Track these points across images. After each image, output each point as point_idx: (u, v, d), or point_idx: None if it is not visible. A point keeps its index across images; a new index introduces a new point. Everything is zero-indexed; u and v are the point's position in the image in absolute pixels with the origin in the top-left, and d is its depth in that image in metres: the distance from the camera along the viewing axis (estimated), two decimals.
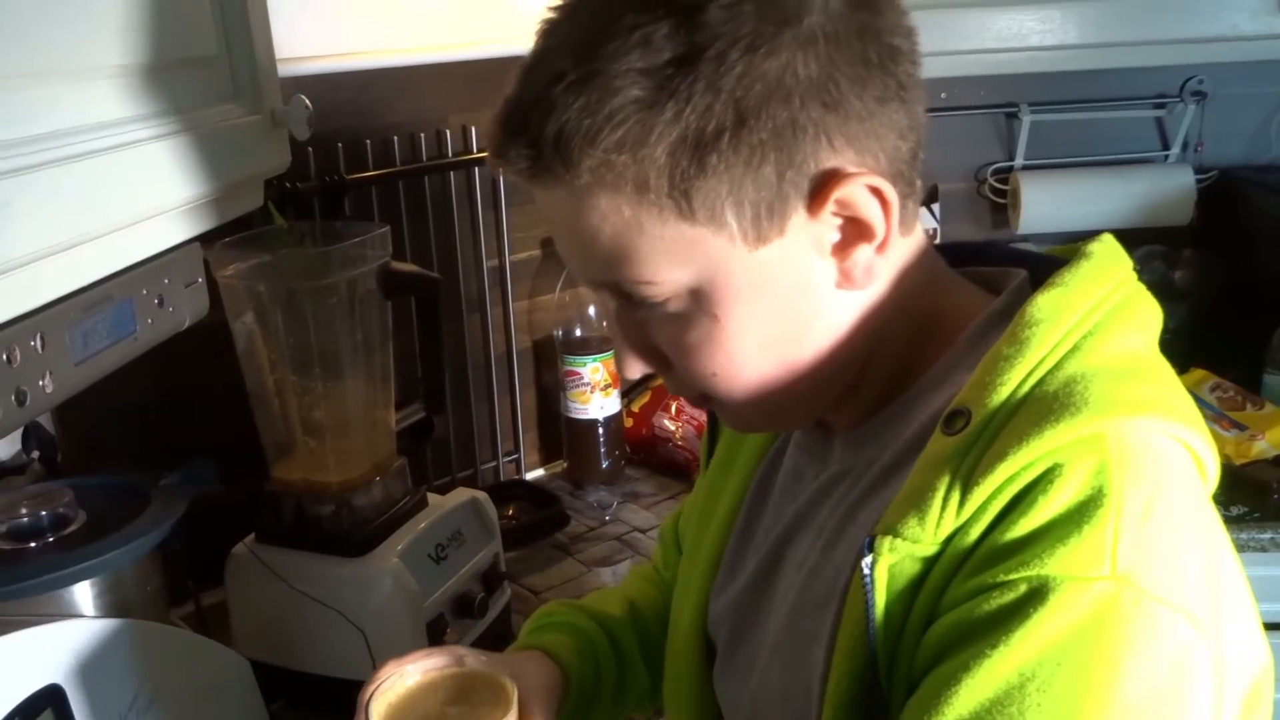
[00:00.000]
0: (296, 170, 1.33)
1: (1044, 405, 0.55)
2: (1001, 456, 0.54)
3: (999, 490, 0.54)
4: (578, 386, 1.66)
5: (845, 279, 0.61)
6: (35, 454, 1.19)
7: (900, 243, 0.62)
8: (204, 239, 0.97)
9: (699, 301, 0.60)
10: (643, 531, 1.55)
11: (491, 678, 0.73)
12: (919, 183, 0.63)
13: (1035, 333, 0.57)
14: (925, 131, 0.62)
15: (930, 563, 0.55)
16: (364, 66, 1.43)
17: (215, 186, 0.89)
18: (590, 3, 0.58)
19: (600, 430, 1.68)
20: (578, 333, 1.68)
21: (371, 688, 0.72)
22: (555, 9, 0.60)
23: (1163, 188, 1.88)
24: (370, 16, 1.46)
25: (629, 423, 1.75)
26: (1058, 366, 0.57)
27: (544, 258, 1.71)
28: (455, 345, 1.60)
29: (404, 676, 0.73)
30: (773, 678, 0.68)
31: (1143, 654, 0.50)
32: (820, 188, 0.58)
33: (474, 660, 0.74)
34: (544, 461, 1.77)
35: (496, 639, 1.26)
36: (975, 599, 0.53)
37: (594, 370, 1.65)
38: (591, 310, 1.69)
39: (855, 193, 0.58)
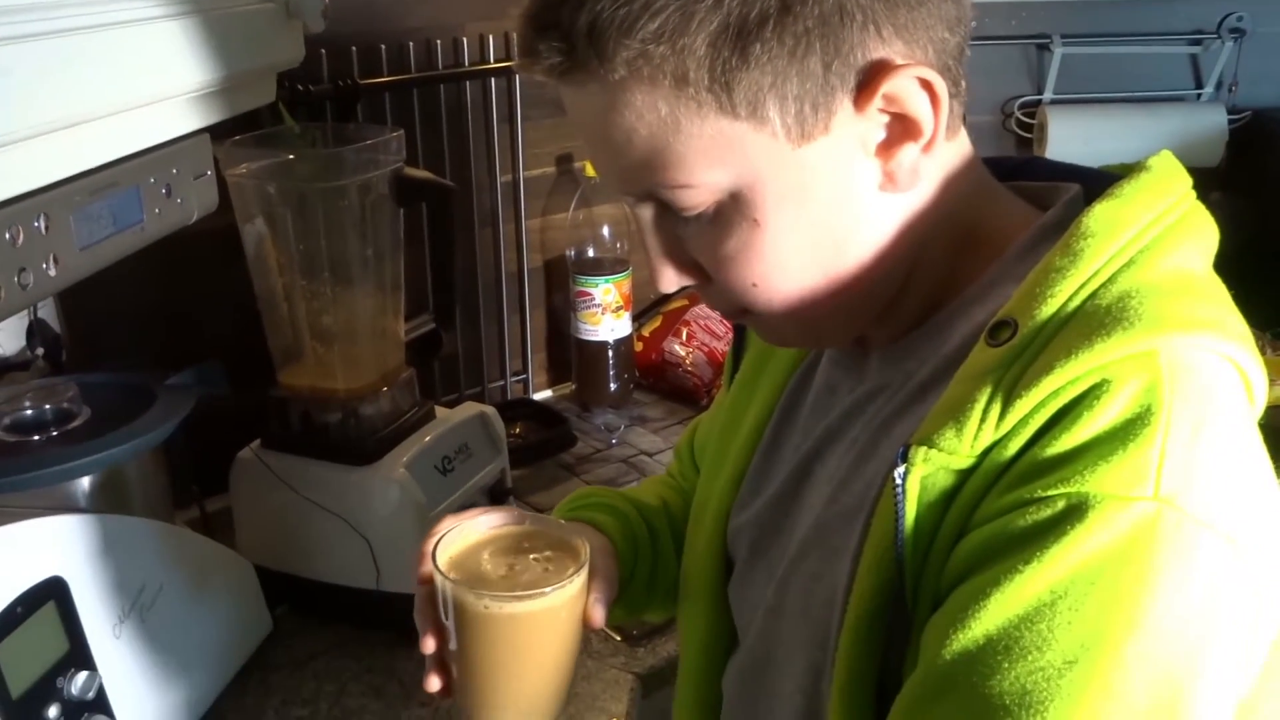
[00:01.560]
0: (309, 72, 1.30)
1: (1095, 319, 0.53)
2: (1048, 369, 0.52)
3: (1042, 404, 0.52)
4: (589, 307, 1.64)
5: (889, 180, 0.58)
6: (40, 350, 1.18)
7: (946, 147, 0.60)
8: (213, 137, 0.94)
9: (739, 206, 0.58)
10: (649, 455, 1.54)
11: (559, 537, 0.72)
12: (964, 83, 0.60)
13: (1089, 244, 0.55)
14: (970, 26, 0.59)
15: (965, 476, 0.54)
16: None
17: (226, 75, 0.86)
18: None
19: (610, 353, 1.66)
20: (590, 253, 1.66)
21: (434, 539, 0.70)
22: None
23: (1193, 128, 1.84)
24: None
25: (639, 346, 1.73)
26: (1111, 280, 0.55)
27: (558, 175, 1.67)
28: (466, 261, 1.58)
29: (467, 531, 0.72)
30: (794, 590, 0.67)
31: (1181, 577, 0.48)
32: (868, 80, 0.55)
33: (535, 521, 0.73)
34: (552, 383, 1.76)
35: None
36: (1010, 514, 0.51)
37: (606, 291, 1.63)
38: (605, 230, 1.66)
39: (904, 86, 0.55)
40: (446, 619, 0.68)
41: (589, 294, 1.64)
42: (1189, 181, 0.60)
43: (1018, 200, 0.65)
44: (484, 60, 1.53)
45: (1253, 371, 0.56)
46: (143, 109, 0.77)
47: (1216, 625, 0.49)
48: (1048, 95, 1.89)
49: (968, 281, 0.62)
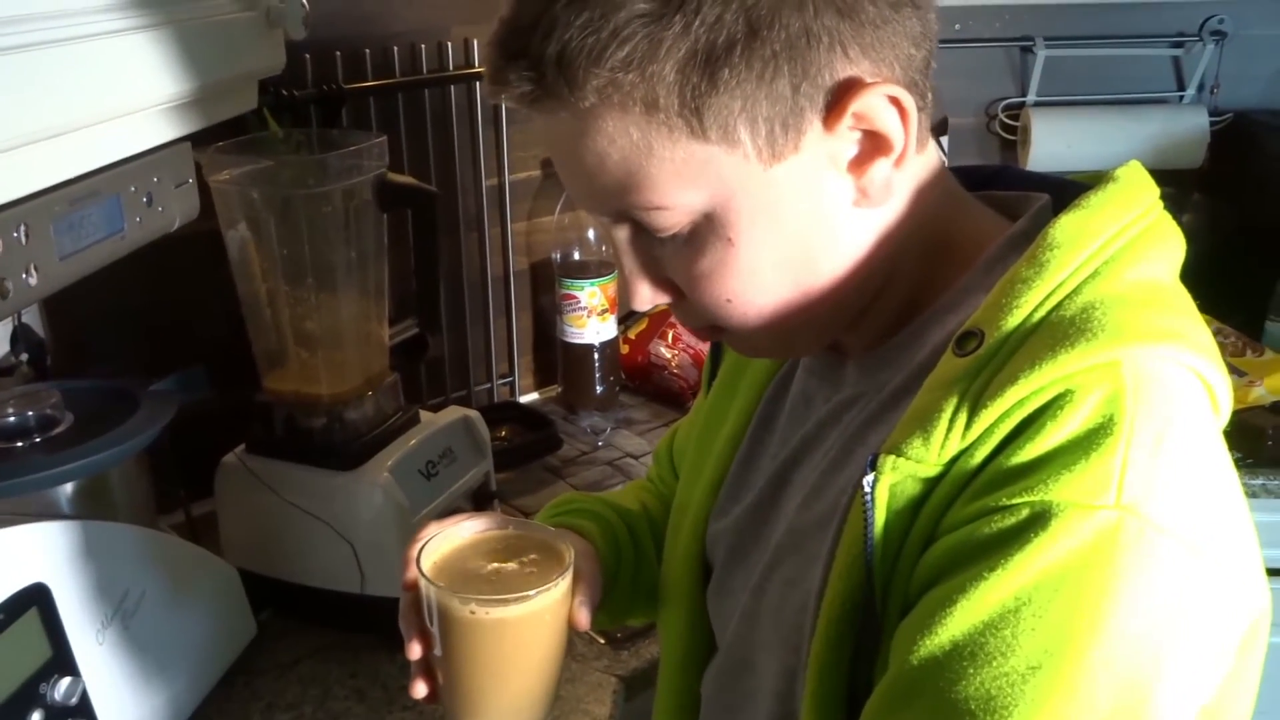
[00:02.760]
0: (293, 78, 1.31)
1: (1059, 330, 0.54)
2: (1012, 380, 0.52)
3: (1007, 414, 0.53)
4: (574, 310, 1.65)
5: (863, 196, 0.59)
6: (24, 356, 1.18)
7: (916, 160, 0.61)
8: (197, 143, 0.95)
9: (712, 226, 0.58)
10: (635, 458, 1.54)
11: (543, 541, 0.72)
12: (930, 96, 0.61)
13: (1055, 255, 0.56)
14: (936, 40, 0.60)
15: (932, 484, 0.54)
16: None
17: (207, 83, 0.86)
18: None
19: (596, 355, 1.67)
20: (576, 256, 1.66)
21: (419, 545, 0.71)
22: None
23: (1175, 129, 1.85)
24: None
25: (625, 349, 1.74)
26: (1076, 291, 0.55)
27: (543, 179, 1.68)
28: (452, 265, 1.58)
29: (451, 536, 0.72)
30: (769, 595, 0.68)
31: (1143, 584, 0.49)
32: (837, 99, 0.56)
33: (519, 526, 0.73)
34: (538, 385, 1.76)
35: None
36: (976, 522, 0.52)
37: (591, 294, 1.64)
38: (590, 234, 1.67)
39: (873, 103, 0.56)
40: (432, 624, 0.68)
41: (574, 297, 1.64)
42: (1156, 192, 0.61)
43: (987, 210, 0.66)
44: (469, 64, 1.53)
45: (1217, 383, 0.57)
46: (123, 119, 0.77)
47: (1179, 632, 0.50)
48: (1031, 97, 1.90)
49: (941, 290, 0.63)
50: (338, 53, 1.39)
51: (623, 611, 0.86)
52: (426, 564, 0.70)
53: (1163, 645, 0.49)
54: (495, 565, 0.70)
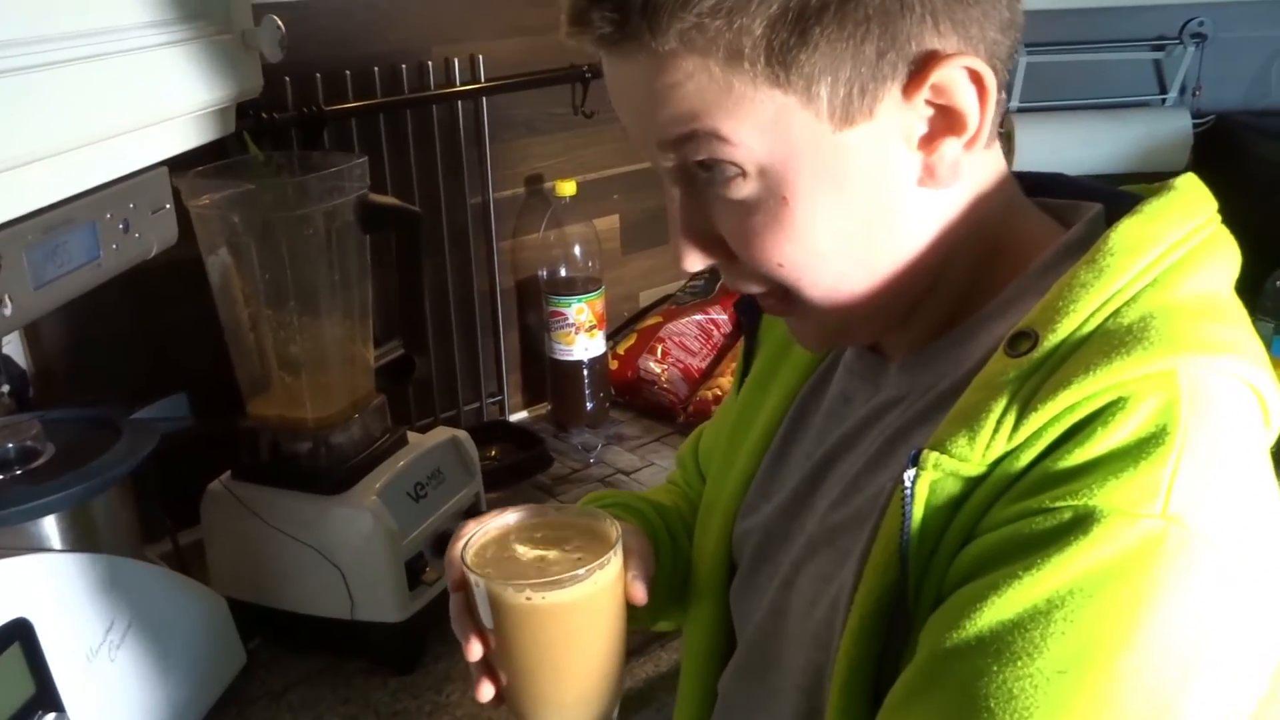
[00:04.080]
0: (273, 100, 1.30)
1: (1115, 337, 0.53)
2: (1065, 383, 0.52)
3: (1058, 418, 0.52)
4: (562, 327, 1.64)
5: (929, 175, 0.58)
6: (5, 388, 1.16)
7: (984, 154, 0.60)
8: (177, 167, 0.94)
9: (770, 182, 0.57)
10: (626, 474, 1.53)
11: (586, 525, 0.71)
12: (1004, 95, 0.61)
13: (1113, 261, 0.55)
14: (1022, 33, 0.60)
15: (974, 484, 0.54)
16: None
17: (182, 108, 0.86)
18: None
19: (585, 372, 1.66)
20: (562, 273, 1.65)
21: (460, 542, 0.69)
22: None
23: (1159, 132, 1.86)
24: None
25: (614, 365, 1.73)
26: (1134, 299, 0.55)
27: (528, 195, 1.67)
28: (437, 284, 1.57)
29: (490, 530, 0.70)
30: (799, 590, 0.67)
31: (1181, 595, 0.48)
32: (920, 69, 0.55)
33: (558, 513, 0.72)
34: (527, 403, 1.75)
35: None
36: (1017, 522, 0.51)
37: (579, 311, 1.63)
38: (577, 249, 1.66)
39: (954, 76, 0.56)
40: (487, 621, 0.66)
41: (562, 314, 1.63)
42: (1214, 205, 0.61)
43: (1043, 216, 0.65)
44: (450, 83, 1.53)
45: (1271, 396, 0.56)
46: (98, 144, 0.76)
47: (1214, 647, 0.49)
48: (1014, 103, 1.90)
49: (989, 294, 0.63)
50: (318, 74, 1.38)
51: (659, 609, 0.84)
52: (472, 559, 0.68)
53: (1196, 660, 0.49)
54: (540, 553, 0.69)
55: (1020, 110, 1.90)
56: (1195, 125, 1.85)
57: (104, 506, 1.02)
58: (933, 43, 0.55)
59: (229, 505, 1.13)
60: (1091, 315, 0.55)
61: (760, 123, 0.56)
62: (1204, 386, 0.53)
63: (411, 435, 1.23)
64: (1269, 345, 1.59)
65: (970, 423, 0.54)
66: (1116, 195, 0.63)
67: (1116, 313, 0.55)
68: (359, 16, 1.41)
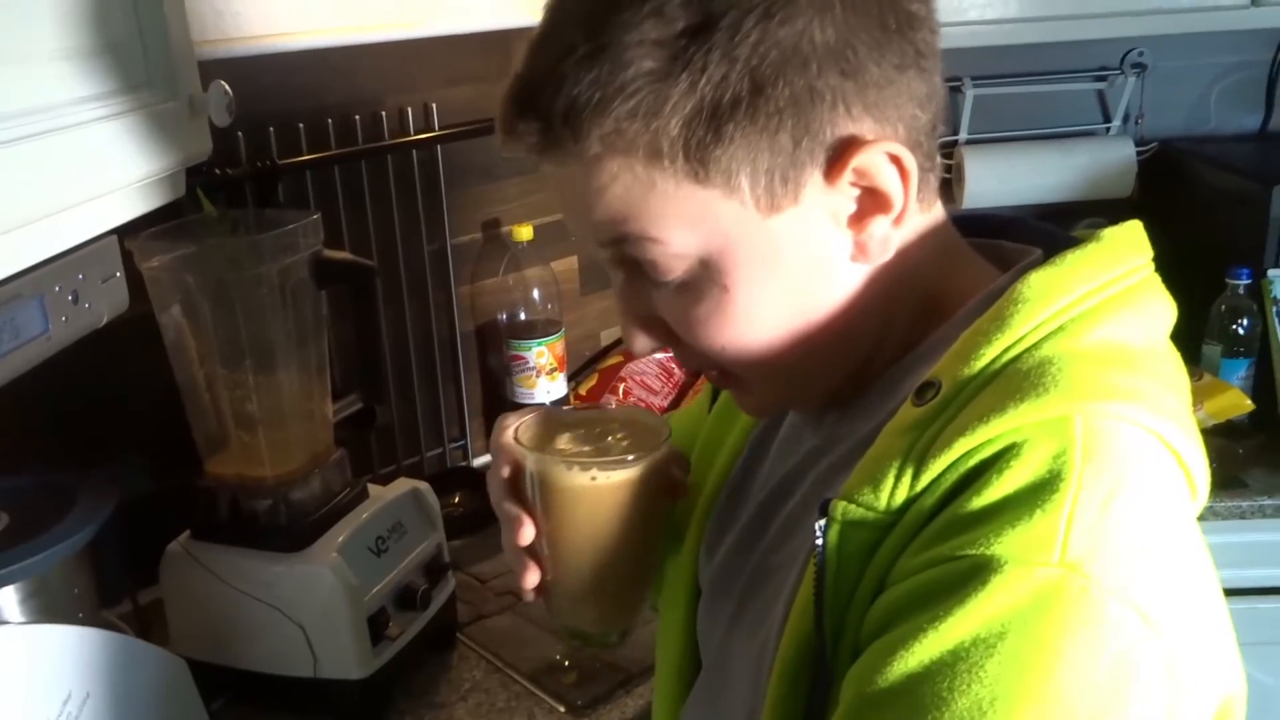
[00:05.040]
0: (227, 156, 1.30)
1: (1013, 383, 0.54)
2: (961, 430, 0.53)
3: (954, 464, 0.53)
4: (523, 371, 1.65)
5: (860, 251, 0.60)
6: None
7: (917, 217, 0.61)
8: (129, 228, 0.94)
9: (708, 272, 0.59)
10: None
11: (629, 418, 0.71)
12: (939, 158, 0.62)
13: (1019, 309, 0.56)
14: (945, 103, 0.61)
15: (884, 532, 0.55)
16: (296, 47, 1.39)
17: (130, 177, 0.86)
18: None
19: None
20: (522, 316, 1.66)
21: (510, 430, 0.69)
22: None
23: (1104, 160, 1.90)
24: None
25: (576, 405, 1.73)
26: (1036, 346, 0.56)
27: (485, 241, 1.68)
28: (397, 331, 1.58)
29: (536, 421, 0.70)
30: (742, 629, 0.68)
31: (1084, 644, 0.48)
32: (838, 155, 0.57)
33: (595, 409, 0.74)
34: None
35: (441, 629, 1.24)
36: (922, 573, 0.52)
37: (539, 354, 1.64)
38: (536, 293, 1.67)
39: (874, 160, 0.57)
40: (540, 504, 0.66)
41: (523, 358, 1.64)
42: (1146, 255, 0.61)
43: (983, 263, 0.66)
44: (404, 132, 1.54)
45: (1187, 452, 0.56)
46: (42, 221, 0.76)
47: (1128, 701, 0.49)
48: (963, 135, 1.93)
49: (921, 344, 0.63)
50: (271, 128, 1.38)
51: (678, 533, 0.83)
52: (525, 434, 0.68)
53: (1106, 707, 0.48)
54: (589, 444, 0.69)
55: (969, 142, 1.93)
56: (1139, 152, 1.89)
57: (60, 574, 1.01)
58: (847, 128, 0.56)
59: (188, 567, 1.12)
60: (992, 362, 0.55)
61: (688, 218, 0.57)
62: (1101, 433, 0.52)
63: (372, 488, 1.23)
64: (1217, 369, 1.62)
65: (875, 471, 0.55)
66: (1064, 241, 0.64)
67: (1018, 359, 0.55)
68: (311, 69, 1.42)
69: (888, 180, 0.57)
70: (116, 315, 0.90)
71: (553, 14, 0.58)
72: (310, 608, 1.10)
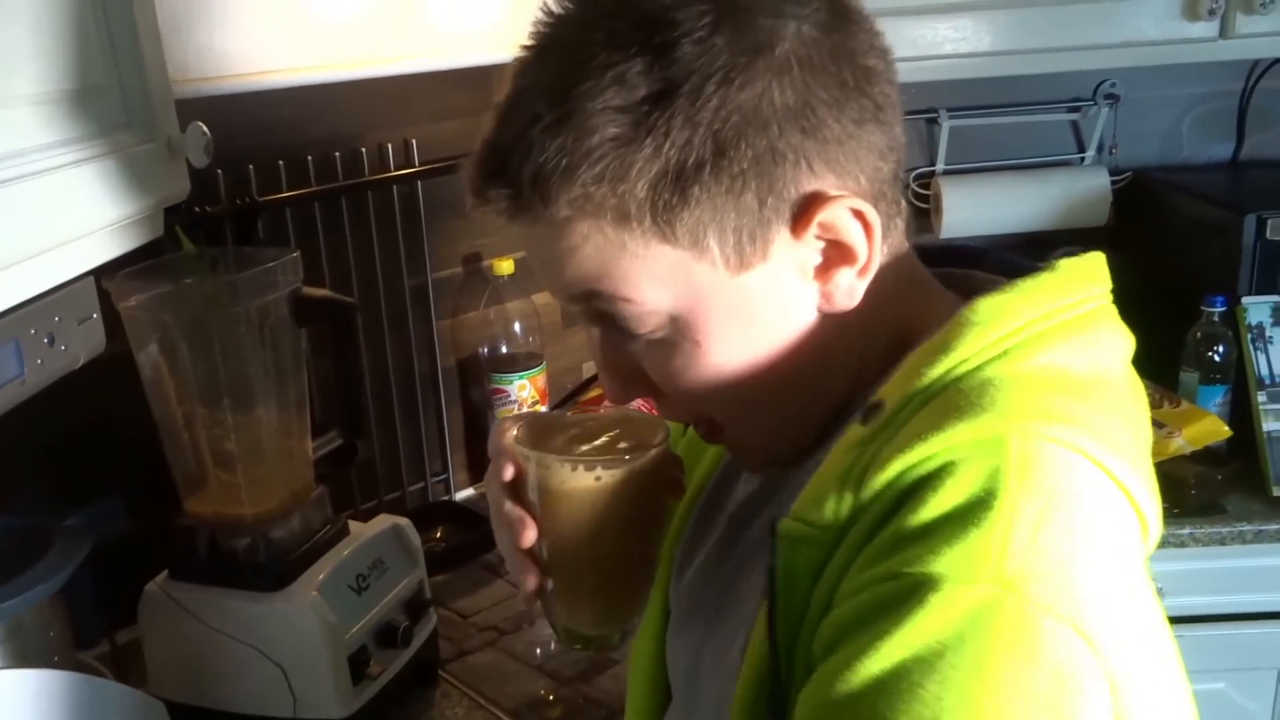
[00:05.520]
0: (206, 194, 1.30)
1: (953, 402, 0.55)
2: (900, 448, 0.54)
3: (892, 481, 0.54)
4: (505, 404, 1.65)
5: (827, 301, 0.61)
6: None
7: (881, 263, 0.62)
8: (106, 267, 0.94)
9: (680, 327, 0.60)
10: None
11: (622, 416, 0.71)
12: (903, 202, 0.63)
13: (965, 333, 0.57)
14: (905, 151, 0.62)
15: (830, 549, 0.56)
16: (275, 85, 1.40)
17: (107, 220, 0.86)
18: (560, 42, 0.59)
19: None
20: (504, 349, 1.66)
21: (507, 432, 0.68)
22: (526, 48, 0.60)
23: (1079, 189, 1.92)
24: (280, 34, 1.43)
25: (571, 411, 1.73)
26: (979, 368, 0.57)
27: (466, 275, 1.69)
28: (378, 366, 1.58)
29: (533, 423, 0.70)
30: (708, 656, 0.69)
31: (1021, 660, 0.49)
32: (803, 211, 0.58)
33: (590, 413, 0.72)
34: (474, 480, 1.75)
35: (422, 667, 1.24)
36: (865, 591, 0.52)
37: (521, 387, 1.64)
38: (517, 326, 1.68)
39: (838, 215, 0.58)
40: (543, 506, 0.66)
41: (505, 391, 1.64)
42: (1103, 285, 0.62)
43: (949, 295, 0.66)
44: (384, 168, 1.54)
45: (1127, 478, 0.56)
46: (18, 265, 0.76)
47: (1067, 714, 0.49)
48: (940, 166, 1.95)
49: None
50: (250, 166, 1.39)
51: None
52: (523, 432, 0.68)
53: None
54: (586, 445, 0.68)
55: (945, 173, 1.95)
56: (1113, 182, 1.91)
57: (35, 618, 1.00)
58: (810, 185, 0.57)
59: (166, 608, 1.11)
60: (935, 382, 0.56)
61: (658, 277, 0.59)
62: (1034, 454, 0.53)
63: (353, 524, 1.22)
64: (1195, 395, 1.64)
65: (820, 489, 0.56)
66: (1020, 270, 0.64)
67: (959, 379, 0.56)
68: (290, 106, 1.43)
69: (852, 234, 0.59)
70: (93, 357, 0.90)
71: (518, 82, 0.59)
72: (290, 647, 1.09)
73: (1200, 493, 1.55)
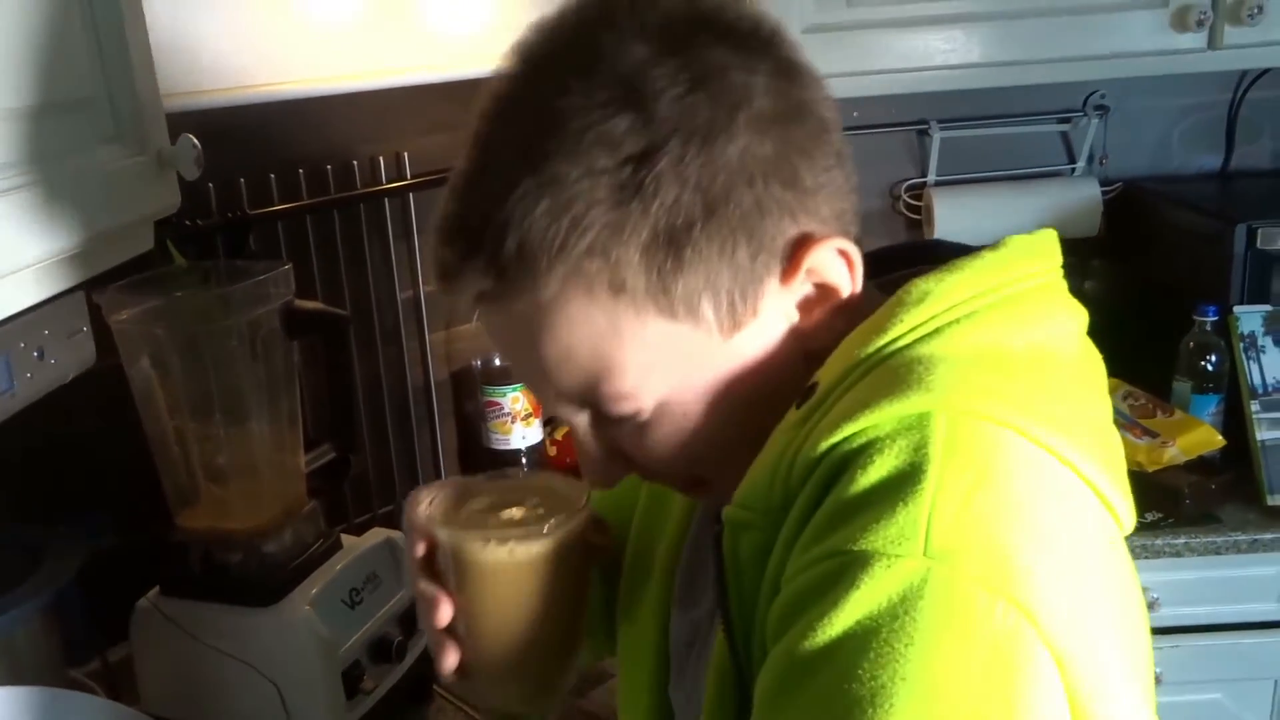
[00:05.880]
0: (197, 207, 1.30)
1: (881, 379, 0.55)
2: (828, 427, 0.54)
3: (820, 458, 0.54)
4: (498, 417, 1.64)
5: (810, 340, 0.60)
6: None
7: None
8: (97, 280, 0.93)
9: (672, 406, 0.59)
10: None
11: (544, 485, 0.68)
12: (858, 231, 0.63)
13: (898, 313, 0.57)
14: (856, 190, 0.62)
15: (772, 532, 0.56)
16: (267, 98, 1.40)
17: (98, 233, 0.85)
18: (525, 107, 0.56)
19: (523, 460, 1.66)
20: (497, 362, 1.66)
21: (419, 507, 0.66)
22: (483, 117, 0.57)
23: (1070, 200, 1.92)
24: (271, 48, 1.43)
25: (552, 451, 1.73)
26: (908, 346, 0.56)
27: None
28: (371, 379, 1.57)
29: (448, 495, 0.68)
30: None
31: (955, 634, 0.48)
32: (791, 257, 0.58)
33: (508, 477, 0.71)
34: None
35: (417, 682, 1.23)
36: (803, 573, 0.52)
37: (514, 400, 1.63)
38: None
39: (824, 257, 0.58)
40: (456, 583, 0.64)
41: (498, 403, 1.64)
42: (1050, 261, 0.61)
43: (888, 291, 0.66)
44: (376, 181, 1.54)
45: (1080, 462, 0.55)
46: (7, 278, 0.76)
47: (1008, 693, 0.48)
48: (931, 177, 1.96)
49: None
50: (242, 179, 1.38)
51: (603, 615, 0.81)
52: (441, 519, 0.65)
53: (987, 699, 0.48)
54: (502, 514, 0.66)
55: (937, 184, 1.95)
56: (1104, 192, 1.92)
57: (27, 634, 0.99)
58: (793, 232, 0.57)
59: (158, 624, 1.11)
60: (864, 360, 0.56)
61: (657, 360, 0.57)
62: (963, 430, 0.53)
63: (346, 538, 1.22)
64: (1188, 405, 1.64)
65: (757, 473, 0.56)
66: (976, 252, 0.63)
67: (889, 357, 0.56)
68: (282, 119, 1.43)
69: (837, 273, 0.59)
70: (83, 370, 0.90)
71: (481, 150, 0.57)
72: (283, 663, 1.08)
73: (1195, 502, 1.54)
